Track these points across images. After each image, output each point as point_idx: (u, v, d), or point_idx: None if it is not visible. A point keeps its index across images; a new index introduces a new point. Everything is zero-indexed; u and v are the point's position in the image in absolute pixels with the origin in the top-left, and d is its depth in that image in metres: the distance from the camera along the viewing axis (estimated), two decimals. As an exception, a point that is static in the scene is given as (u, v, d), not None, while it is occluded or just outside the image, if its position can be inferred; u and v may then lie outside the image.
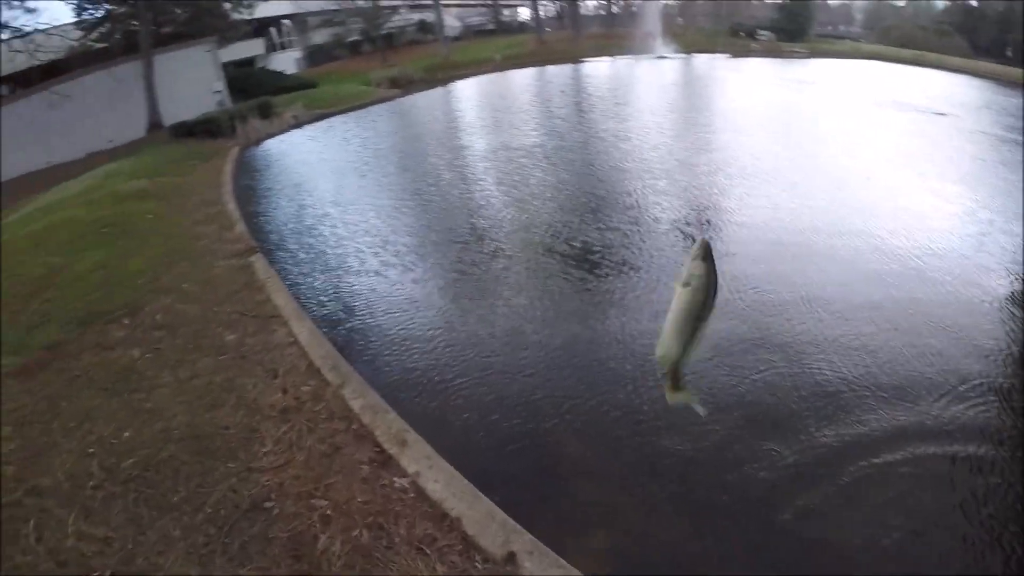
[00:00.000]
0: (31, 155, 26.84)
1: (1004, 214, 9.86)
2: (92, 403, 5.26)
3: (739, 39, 47.19)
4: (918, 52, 42.02)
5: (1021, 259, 8.04)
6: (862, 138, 16.00)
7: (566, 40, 47.97)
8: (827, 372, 5.62)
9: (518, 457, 4.69)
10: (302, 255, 9.46)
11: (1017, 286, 7.30)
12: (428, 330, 6.74)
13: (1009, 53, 44.94)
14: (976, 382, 5.49)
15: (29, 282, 8.79)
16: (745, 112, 20.09)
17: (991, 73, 35.57)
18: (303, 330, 6.09)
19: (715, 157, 13.57)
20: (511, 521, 3.62)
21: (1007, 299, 6.98)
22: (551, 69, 35.93)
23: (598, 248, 8.55)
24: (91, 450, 4.61)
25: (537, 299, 7.26)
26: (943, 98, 24.37)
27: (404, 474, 4.00)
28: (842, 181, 11.71)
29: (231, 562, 3.45)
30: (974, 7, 54.71)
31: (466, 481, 3.97)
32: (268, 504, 3.83)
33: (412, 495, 3.85)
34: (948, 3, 58.88)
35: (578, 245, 8.68)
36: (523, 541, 3.47)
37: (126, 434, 4.73)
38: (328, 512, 3.74)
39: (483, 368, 5.87)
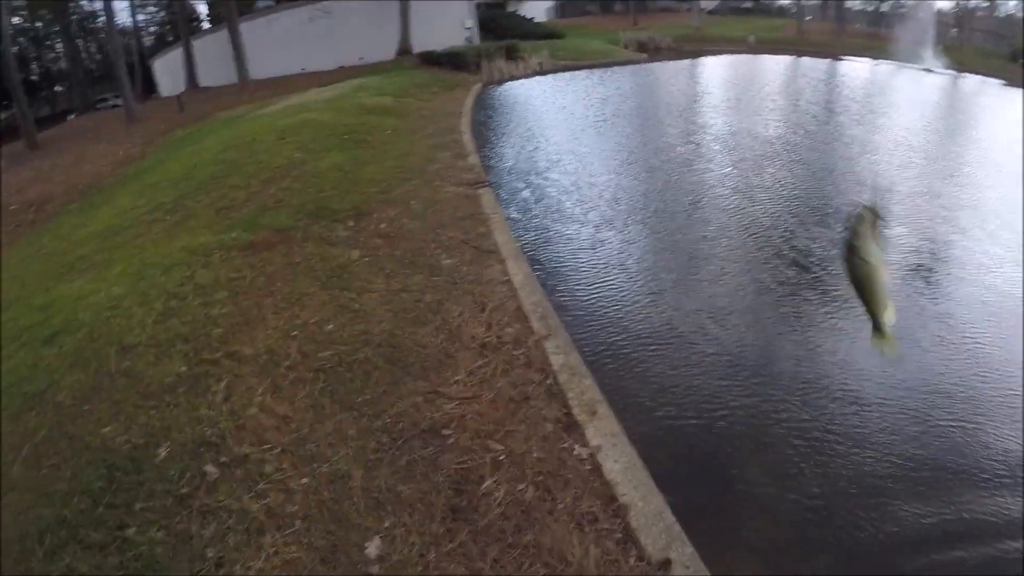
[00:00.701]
0: (289, 60, 29.37)
1: None
2: (305, 290, 5.47)
3: (1019, 66, 41.45)
4: None
5: None
6: None
7: (826, 32, 44.77)
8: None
9: (706, 464, 4.24)
10: (528, 196, 9.40)
11: None
12: (637, 300, 6.36)
13: None
14: None
15: (271, 169, 9.42)
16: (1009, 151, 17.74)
17: None
18: (519, 272, 5.94)
19: (960, 193, 12.02)
20: (678, 527, 3.28)
21: None
22: (806, 61, 33.58)
23: (815, 255, 7.74)
24: (294, 333, 4.79)
25: (748, 290, 6.68)
26: None
27: (586, 444, 3.75)
28: None
29: (395, 475, 3.42)
30: None
31: (645, 471, 3.65)
32: (446, 432, 3.74)
33: (588, 468, 3.60)
34: None
35: (797, 247, 7.92)
36: (683, 552, 3.12)
37: (329, 327, 4.85)
38: (501, 458, 3.59)
39: (688, 354, 5.41)
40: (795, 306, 6.39)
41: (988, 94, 30.23)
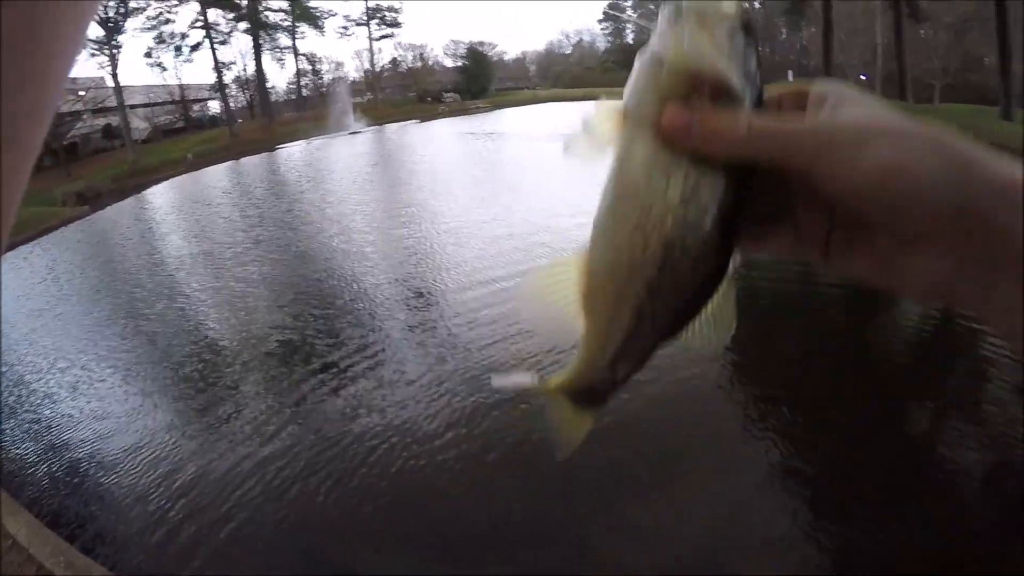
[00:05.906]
0: None
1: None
2: None
3: (427, 104, 51.69)
4: (588, 89, 49.60)
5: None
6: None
7: (259, 129, 48.06)
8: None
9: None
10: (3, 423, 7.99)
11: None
12: (176, 478, 5.76)
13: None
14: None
15: None
16: (434, 171, 22.78)
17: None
18: (21, 526, 5.20)
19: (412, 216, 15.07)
20: None
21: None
22: (246, 161, 36.08)
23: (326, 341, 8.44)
24: None
25: (281, 404, 6.87)
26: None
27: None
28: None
29: None
30: (632, 44, 68.21)
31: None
32: None
33: None
34: (609, 44, 71.23)
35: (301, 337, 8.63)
36: None
37: None
38: None
39: (252, 509, 5.24)
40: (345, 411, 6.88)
41: (407, 133, 36.94)
